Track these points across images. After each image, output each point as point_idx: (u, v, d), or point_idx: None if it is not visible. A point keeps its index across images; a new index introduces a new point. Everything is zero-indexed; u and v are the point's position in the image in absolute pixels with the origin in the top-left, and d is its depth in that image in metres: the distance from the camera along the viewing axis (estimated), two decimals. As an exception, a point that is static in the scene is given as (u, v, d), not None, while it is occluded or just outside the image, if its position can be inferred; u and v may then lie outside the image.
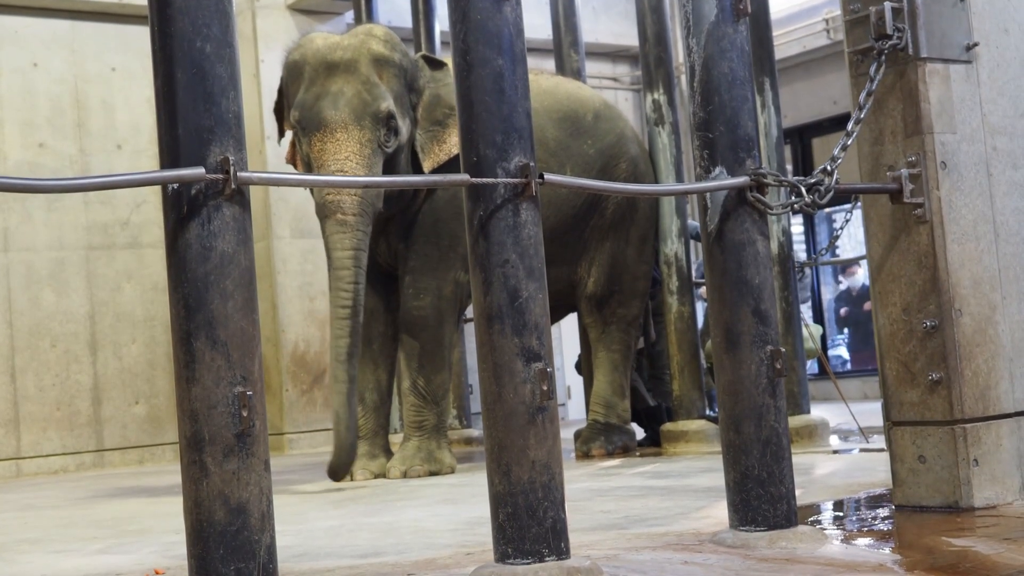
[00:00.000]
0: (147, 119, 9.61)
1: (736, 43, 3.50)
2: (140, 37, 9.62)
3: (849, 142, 3.75)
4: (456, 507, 4.80)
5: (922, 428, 3.88)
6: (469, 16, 3.05)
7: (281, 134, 6.73)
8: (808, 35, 11.93)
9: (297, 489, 6.18)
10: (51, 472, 9.12)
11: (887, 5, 3.83)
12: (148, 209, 9.62)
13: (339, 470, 6.00)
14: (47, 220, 9.33)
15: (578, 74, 8.25)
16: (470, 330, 6.77)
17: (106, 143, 9.62)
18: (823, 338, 9.45)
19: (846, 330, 12.84)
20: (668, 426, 7.19)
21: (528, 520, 2.95)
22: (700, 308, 7.66)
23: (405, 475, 6.25)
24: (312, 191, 6.26)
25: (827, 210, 12.11)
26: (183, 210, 2.63)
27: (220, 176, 2.61)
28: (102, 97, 9.65)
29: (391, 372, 6.72)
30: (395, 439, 7.25)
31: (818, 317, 12.22)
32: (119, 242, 9.60)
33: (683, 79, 10.75)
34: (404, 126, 6.30)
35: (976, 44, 4.00)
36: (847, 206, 6.58)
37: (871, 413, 7.46)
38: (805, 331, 7.13)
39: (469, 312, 6.98)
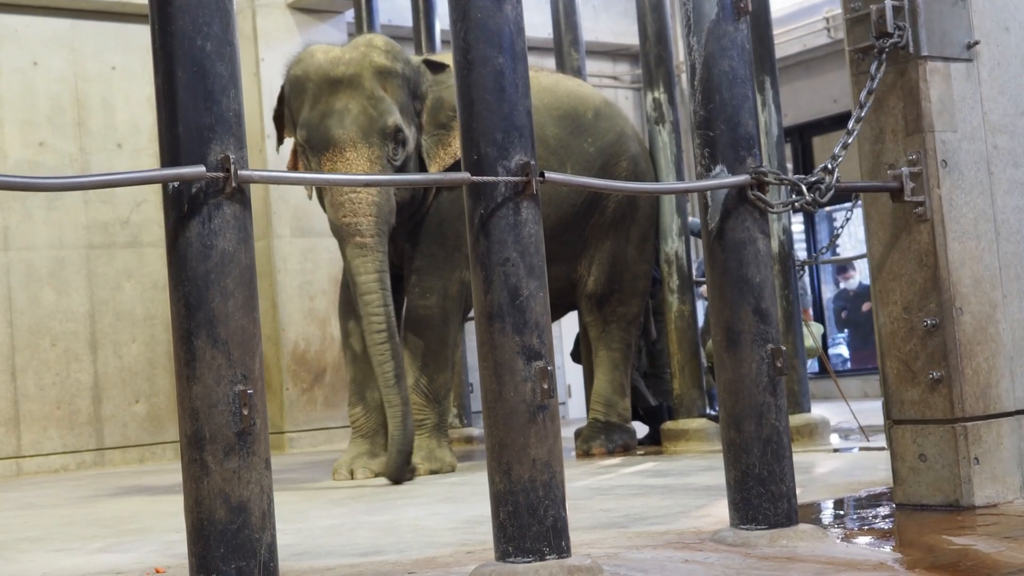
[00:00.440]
0: (147, 118, 9.61)
1: (737, 41, 3.50)
2: (140, 36, 9.62)
3: (850, 140, 3.75)
4: (456, 506, 4.80)
5: (923, 426, 3.88)
6: (470, 14, 3.05)
7: (280, 141, 6.71)
8: (809, 33, 11.93)
9: (298, 487, 6.18)
10: (51, 471, 9.12)
11: (888, 3, 3.83)
12: (148, 208, 9.62)
13: (393, 475, 5.99)
14: (47, 219, 9.32)
15: (578, 73, 8.24)
16: (471, 328, 6.77)
17: (106, 142, 9.61)
18: (824, 337, 9.45)
19: (846, 330, 12.84)
20: (669, 425, 7.19)
21: (529, 518, 2.95)
22: (701, 307, 7.66)
23: (405, 473, 6.24)
24: (327, 211, 6.23)
25: (828, 209, 12.11)
26: (183, 208, 2.63)
27: (220, 174, 2.61)
28: (102, 96, 9.64)
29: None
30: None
31: (818, 316, 12.22)
32: (119, 241, 9.59)
33: (683, 77, 10.75)
34: (410, 134, 6.29)
35: (977, 42, 4.00)
36: (848, 205, 6.59)
37: (872, 412, 7.46)
38: (806, 330, 7.13)
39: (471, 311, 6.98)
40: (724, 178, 3.44)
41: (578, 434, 7.28)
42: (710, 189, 3.46)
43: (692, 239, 7.56)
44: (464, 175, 3.03)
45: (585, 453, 7.10)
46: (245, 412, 2.59)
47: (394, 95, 6.23)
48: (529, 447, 2.97)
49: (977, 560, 3.05)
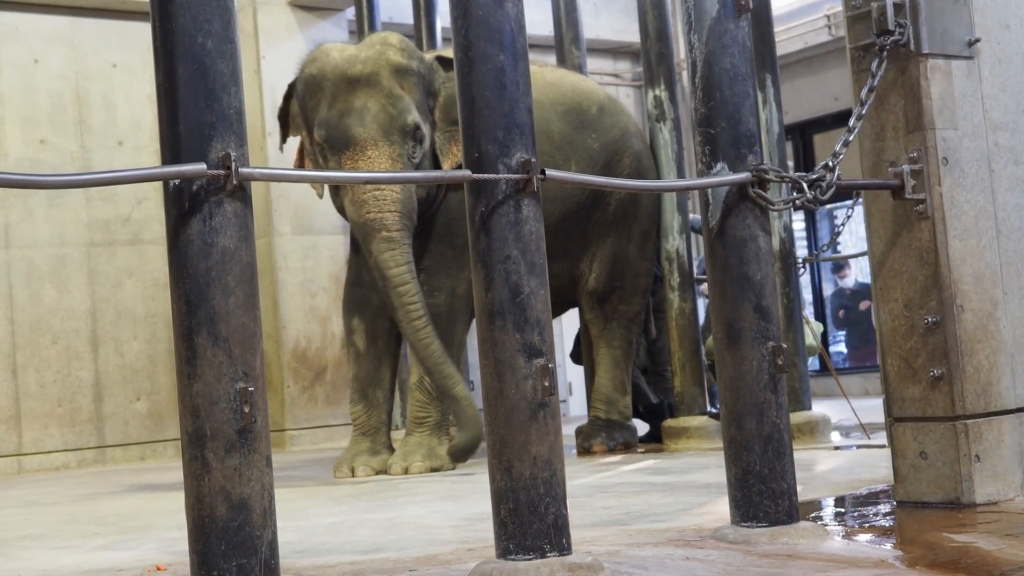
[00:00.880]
0: (148, 115, 9.61)
1: (738, 39, 3.50)
2: (141, 33, 9.61)
3: (851, 138, 3.75)
4: (457, 503, 4.80)
5: (923, 424, 3.88)
6: (471, 12, 3.05)
7: (283, 140, 6.70)
8: (810, 31, 11.93)
9: (299, 485, 6.18)
10: (52, 468, 9.13)
11: (889, 1, 3.83)
12: (149, 206, 9.62)
13: (472, 446, 6.05)
14: (48, 216, 9.33)
15: (579, 70, 8.24)
16: (471, 327, 6.77)
17: (107, 139, 9.61)
18: (824, 335, 9.45)
19: (844, 329, 12.84)
20: (669, 422, 7.19)
21: (530, 516, 2.95)
22: (701, 304, 7.66)
23: (407, 471, 6.25)
24: (348, 211, 6.22)
25: (828, 207, 12.11)
26: (184, 206, 2.63)
27: (221, 172, 2.61)
28: (103, 93, 9.64)
29: (395, 369, 6.72)
30: (397, 435, 7.25)
31: (819, 314, 12.22)
32: (120, 238, 9.60)
33: (684, 75, 10.75)
34: (426, 132, 6.30)
35: (978, 40, 4.00)
36: (848, 202, 6.59)
37: (872, 409, 7.46)
38: (806, 327, 7.13)
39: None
40: (725, 175, 3.44)
41: (579, 432, 7.28)
42: (711, 186, 3.46)
43: (693, 236, 7.56)
44: (465, 172, 3.03)
45: (586, 450, 7.10)
46: (246, 409, 2.60)
47: (410, 93, 6.24)
48: (530, 444, 2.97)
49: (978, 558, 3.05)
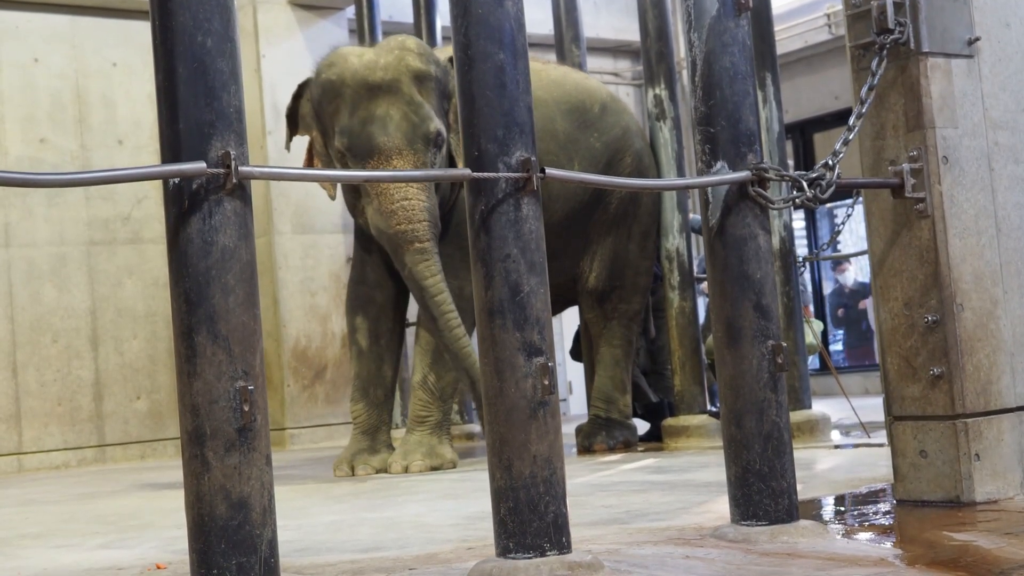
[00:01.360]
0: (148, 114, 9.61)
1: (738, 38, 3.50)
2: (141, 32, 9.61)
3: (851, 137, 3.74)
4: (457, 502, 4.81)
5: (923, 423, 3.88)
6: (470, 11, 3.05)
7: (290, 139, 6.68)
8: (810, 30, 11.93)
9: (299, 484, 6.18)
10: (52, 467, 9.13)
11: (889, -1, 3.83)
12: (149, 204, 9.62)
13: None
14: (48, 215, 9.33)
15: (579, 69, 8.23)
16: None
17: (107, 138, 9.61)
18: (824, 333, 9.45)
19: (843, 328, 12.84)
20: (669, 421, 7.19)
21: (529, 514, 2.95)
22: (701, 303, 7.66)
23: (406, 470, 6.25)
24: (374, 221, 6.20)
25: (828, 205, 12.11)
26: (184, 205, 2.63)
27: (221, 171, 2.61)
28: (103, 92, 9.64)
29: (396, 368, 6.72)
30: (397, 434, 7.26)
31: (819, 313, 12.22)
32: (120, 237, 9.60)
33: (684, 74, 10.75)
34: (444, 137, 6.30)
35: (978, 38, 3.99)
36: (848, 201, 6.59)
37: (872, 408, 7.46)
38: (806, 326, 7.13)
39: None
40: (725, 174, 3.44)
41: (579, 430, 7.28)
42: (711, 185, 3.46)
43: (693, 236, 7.56)
44: (464, 171, 3.03)
45: (586, 449, 7.10)
46: (246, 408, 2.60)
47: (429, 99, 6.24)
48: (530, 443, 2.97)
49: (977, 556, 3.05)
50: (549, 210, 6.07)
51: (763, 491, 3.37)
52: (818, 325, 7.99)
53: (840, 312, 12.76)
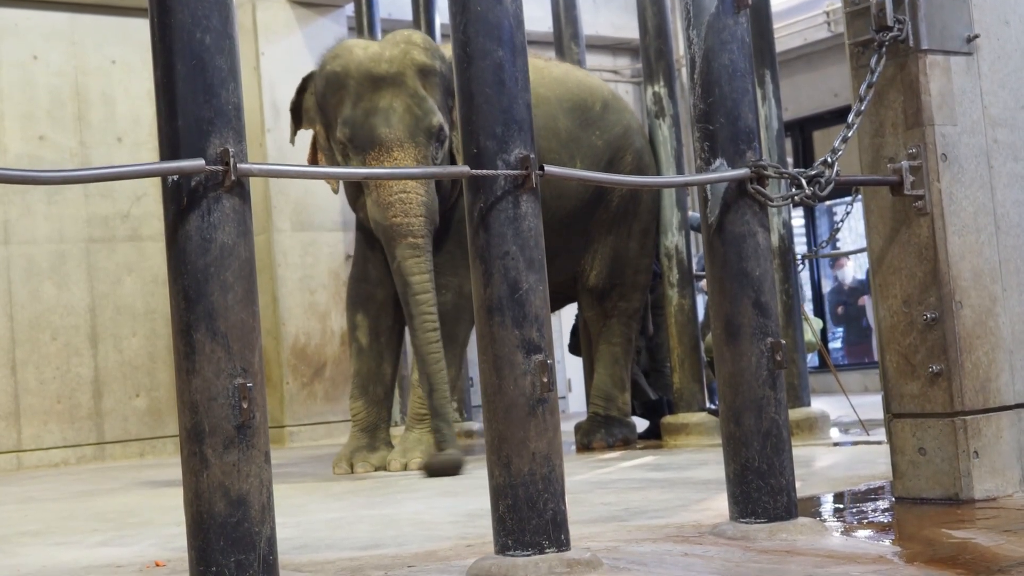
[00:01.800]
0: (147, 112, 9.61)
1: (737, 35, 3.49)
2: (140, 29, 9.61)
3: (850, 134, 3.74)
4: (456, 499, 4.81)
5: (922, 420, 3.88)
6: (469, 8, 3.05)
7: (294, 133, 6.68)
8: (809, 27, 11.93)
9: (297, 481, 6.18)
10: (52, 465, 9.13)
11: (888, -3, 3.83)
12: (148, 202, 9.62)
13: (452, 466, 5.93)
14: (47, 213, 9.32)
15: (579, 67, 8.23)
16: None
17: (106, 136, 9.61)
18: (823, 331, 9.45)
19: (841, 326, 12.84)
20: (668, 419, 7.19)
21: (528, 512, 2.95)
22: (700, 301, 7.66)
23: (406, 467, 6.25)
24: (372, 213, 6.19)
25: (827, 203, 12.12)
26: (183, 202, 2.62)
27: (220, 168, 2.61)
28: (102, 90, 9.64)
29: (395, 366, 6.72)
30: (396, 431, 7.26)
31: (818, 310, 12.22)
32: (119, 235, 9.59)
33: (684, 71, 10.74)
34: (447, 132, 6.30)
35: (977, 36, 3.99)
36: (847, 199, 6.59)
37: (871, 406, 7.46)
38: (805, 324, 7.13)
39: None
40: (724, 172, 3.44)
41: (578, 428, 7.28)
42: (710, 182, 3.46)
43: (692, 233, 7.56)
44: (463, 168, 3.03)
45: (585, 447, 7.10)
46: (244, 405, 2.60)
47: (433, 94, 6.23)
48: (529, 440, 2.97)
49: (976, 553, 3.05)
50: (552, 208, 6.07)
51: (762, 488, 3.37)
52: (817, 323, 7.99)
53: (839, 309, 12.77)
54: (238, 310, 2.63)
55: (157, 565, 3.57)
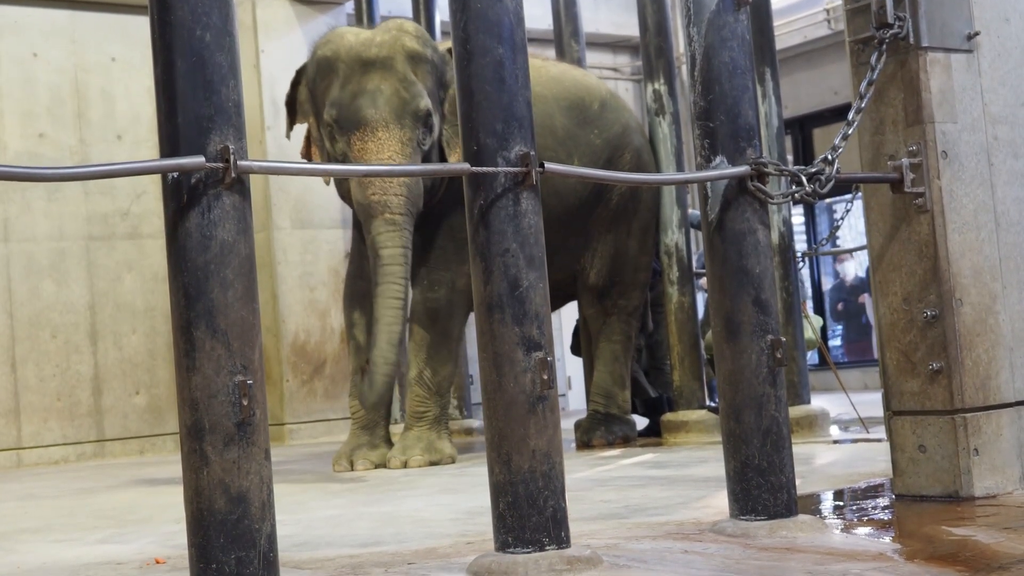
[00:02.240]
0: (147, 109, 9.60)
1: (737, 32, 3.49)
2: (140, 27, 9.60)
3: (850, 131, 3.74)
4: (456, 497, 4.81)
5: (922, 418, 3.88)
6: (469, 5, 3.05)
7: (290, 127, 6.68)
8: (809, 25, 11.92)
9: (297, 479, 6.18)
10: (52, 462, 9.13)
11: (888, -6, 3.82)
12: (148, 199, 9.61)
13: (379, 392, 5.94)
14: (47, 210, 9.32)
15: (578, 64, 8.23)
16: (471, 320, 6.77)
17: (106, 133, 9.60)
18: (823, 329, 9.45)
19: (841, 322, 12.84)
20: (668, 416, 7.19)
21: (528, 509, 2.95)
22: (700, 299, 7.66)
23: (405, 465, 6.25)
24: (353, 192, 6.19)
25: (827, 201, 12.11)
26: (183, 199, 2.62)
27: (220, 165, 2.61)
28: (102, 87, 9.63)
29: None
30: (396, 429, 7.26)
31: (818, 308, 12.22)
32: (119, 232, 9.59)
33: (684, 69, 10.73)
34: (436, 121, 6.30)
35: (977, 33, 3.99)
36: (848, 196, 6.58)
37: (871, 403, 7.46)
38: (805, 321, 7.13)
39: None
40: (724, 169, 3.44)
41: (578, 426, 7.28)
42: (710, 180, 3.46)
43: (692, 231, 7.56)
44: (463, 165, 3.03)
45: (585, 444, 7.10)
46: (245, 402, 2.59)
47: (423, 81, 6.24)
48: (529, 438, 2.97)
49: (976, 551, 3.05)
50: (549, 206, 6.04)
51: (762, 486, 3.38)
52: (817, 321, 7.99)
53: (840, 306, 12.76)
54: (238, 307, 2.63)
55: (157, 562, 3.57)
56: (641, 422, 7.71)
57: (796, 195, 3.60)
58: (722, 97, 3.47)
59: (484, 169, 3.00)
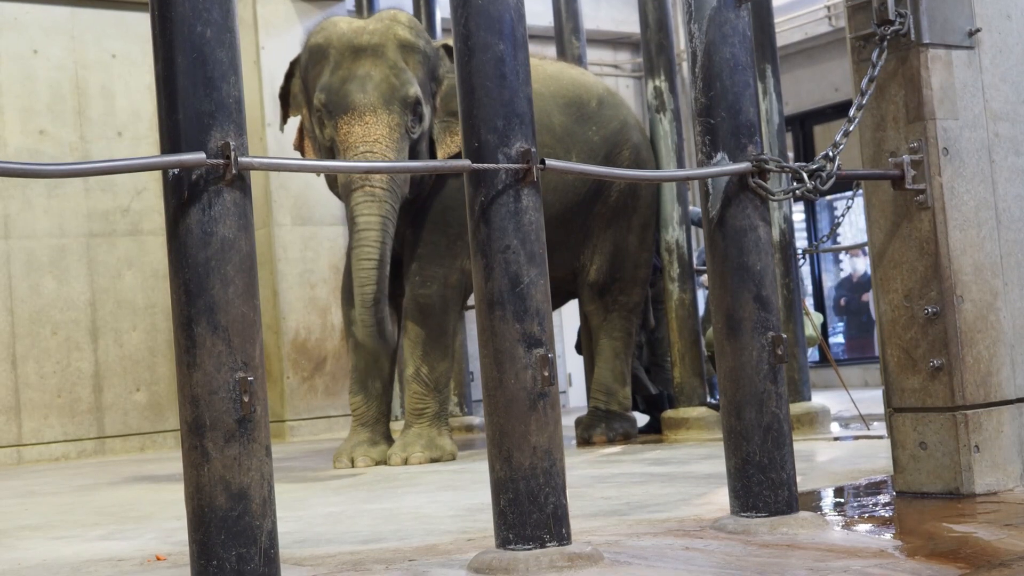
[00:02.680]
0: (147, 106, 9.60)
1: (738, 28, 3.49)
2: (140, 23, 9.61)
3: (851, 128, 3.74)
4: (457, 493, 4.81)
5: (923, 414, 3.88)
6: (470, 1, 3.04)
7: (284, 120, 6.69)
8: (810, 22, 11.93)
9: (298, 475, 6.18)
10: (52, 459, 9.13)
11: (889, -10, 3.82)
12: (148, 196, 9.61)
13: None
14: (48, 207, 9.32)
15: (579, 61, 8.24)
16: (471, 317, 6.77)
17: (106, 130, 9.60)
18: (824, 325, 9.45)
19: (844, 317, 12.85)
20: (669, 413, 7.19)
21: (529, 506, 2.95)
22: (701, 295, 7.66)
23: (406, 462, 6.25)
24: (340, 179, 6.18)
25: (828, 198, 12.11)
26: (184, 195, 2.62)
27: (221, 161, 2.61)
28: (102, 84, 9.63)
29: (393, 359, 6.71)
30: (396, 426, 7.26)
31: (819, 305, 12.22)
32: (120, 229, 9.59)
33: (684, 66, 10.74)
34: (426, 112, 6.29)
35: (978, 30, 3.99)
36: (848, 193, 6.58)
37: (872, 400, 7.47)
38: (806, 318, 7.13)
39: (470, 300, 6.98)
40: (725, 165, 3.44)
41: (579, 422, 7.28)
42: (711, 176, 3.46)
43: (692, 228, 7.55)
44: (464, 162, 3.03)
45: (586, 441, 7.10)
46: (245, 399, 2.59)
47: (414, 70, 6.25)
48: (530, 434, 2.97)
49: (977, 547, 3.05)
50: (547, 203, 6.04)
51: (763, 483, 3.37)
52: (818, 317, 7.99)
53: (842, 302, 12.76)
54: (239, 304, 2.63)
55: (158, 559, 3.57)
56: (642, 419, 7.71)
57: (797, 192, 3.59)
58: (723, 93, 3.47)
59: (485, 166, 3.00)
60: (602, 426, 7.10)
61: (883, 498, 4.00)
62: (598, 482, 4.92)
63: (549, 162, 3.07)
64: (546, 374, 2.98)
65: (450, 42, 6.62)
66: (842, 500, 4.14)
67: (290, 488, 5.48)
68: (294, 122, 6.87)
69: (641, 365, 7.79)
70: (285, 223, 9.76)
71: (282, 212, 9.75)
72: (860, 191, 4.55)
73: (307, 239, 9.82)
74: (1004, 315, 3.97)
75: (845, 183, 3.92)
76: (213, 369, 2.59)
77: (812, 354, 9.45)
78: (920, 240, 3.88)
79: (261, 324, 2.69)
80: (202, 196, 2.61)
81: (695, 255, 7.46)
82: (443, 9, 8.93)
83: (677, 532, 3.44)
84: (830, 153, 3.61)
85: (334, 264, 9.79)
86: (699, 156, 3.54)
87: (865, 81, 3.80)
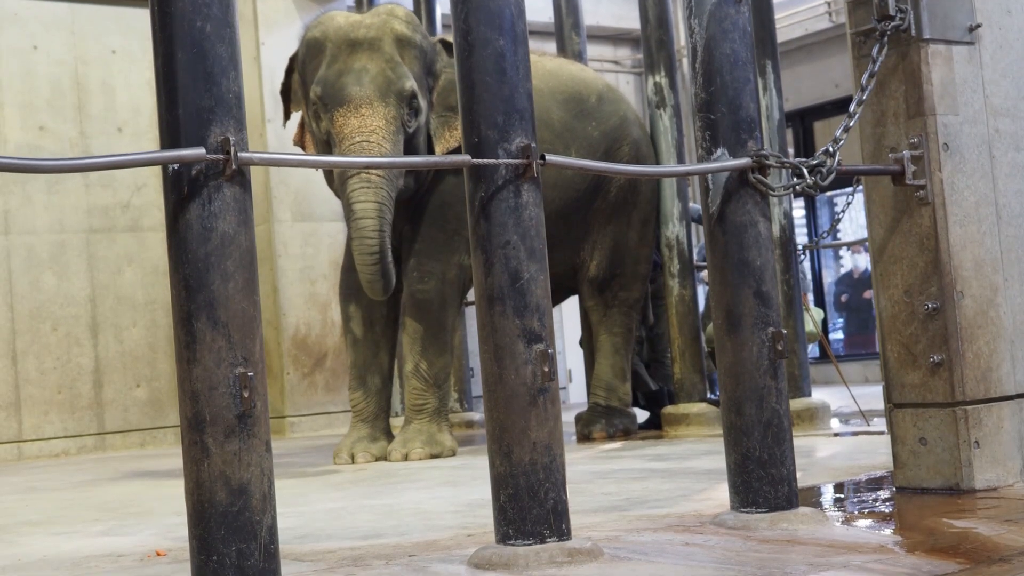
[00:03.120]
0: (147, 101, 9.59)
1: (738, 24, 3.49)
2: (140, 19, 9.59)
3: (851, 124, 3.74)
4: (457, 489, 4.81)
5: (923, 410, 3.88)
6: (470, -4, 3.04)
7: (286, 116, 6.70)
8: (810, 18, 11.92)
9: (298, 471, 6.18)
10: (52, 455, 9.13)
11: (890, -14, 3.82)
12: (148, 192, 9.61)
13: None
14: (48, 203, 9.32)
15: (579, 57, 8.23)
16: (471, 313, 6.77)
17: (106, 125, 9.60)
18: (824, 322, 9.45)
19: (844, 314, 12.85)
20: (669, 409, 7.19)
21: (529, 501, 2.95)
22: (701, 291, 7.66)
23: (406, 458, 6.25)
24: (335, 171, 6.18)
25: (828, 194, 12.11)
26: (183, 191, 2.62)
27: (220, 156, 2.60)
28: (102, 79, 9.63)
29: (392, 355, 6.72)
30: (396, 422, 7.26)
31: (819, 301, 12.22)
32: (120, 225, 9.59)
33: (685, 62, 10.73)
34: (423, 106, 6.29)
35: (979, 25, 3.99)
36: (849, 189, 6.58)
37: (872, 396, 7.47)
38: (806, 314, 7.13)
39: (470, 295, 6.98)
40: (725, 161, 3.44)
41: (579, 418, 7.29)
42: (711, 172, 3.46)
43: (693, 224, 7.55)
44: (464, 157, 3.03)
45: (586, 437, 7.10)
46: (245, 394, 2.59)
47: (411, 64, 6.25)
48: (530, 430, 2.97)
49: (977, 543, 3.05)
50: (546, 199, 6.02)
51: (763, 478, 3.37)
52: (818, 313, 7.99)
53: (843, 298, 12.76)
54: (239, 299, 2.63)
55: (158, 554, 3.57)
56: (642, 415, 7.71)
57: (797, 187, 3.59)
58: (723, 89, 3.46)
59: (485, 161, 3.00)
60: (602, 422, 7.10)
61: (883, 494, 4.00)
62: (598, 478, 4.92)
63: (549, 157, 3.07)
64: (546, 370, 2.98)
65: (448, 37, 6.62)
66: (842, 496, 4.14)
67: (290, 484, 5.48)
68: (296, 118, 6.87)
69: (641, 361, 7.79)
70: (285, 219, 9.76)
71: (282, 208, 9.75)
72: (860, 187, 4.55)
73: (307, 235, 9.82)
74: (1004, 311, 3.97)
75: (845, 179, 3.92)
76: (213, 364, 2.59)
77: (812, 350, 9.46)
78: (920, 236, 3.88)
79: (261, 320, 2.69)
80: (202, 191, 2.61)
81: (695, 251, 7.46)
82: (443, 5, 8.93)
83: (677, 528, 3.44)
84: (830, 149, 3.61)
85: (334, 260, 9.79)
86: (699, 152, 3.54)
87: (865, 77, 3.80)
